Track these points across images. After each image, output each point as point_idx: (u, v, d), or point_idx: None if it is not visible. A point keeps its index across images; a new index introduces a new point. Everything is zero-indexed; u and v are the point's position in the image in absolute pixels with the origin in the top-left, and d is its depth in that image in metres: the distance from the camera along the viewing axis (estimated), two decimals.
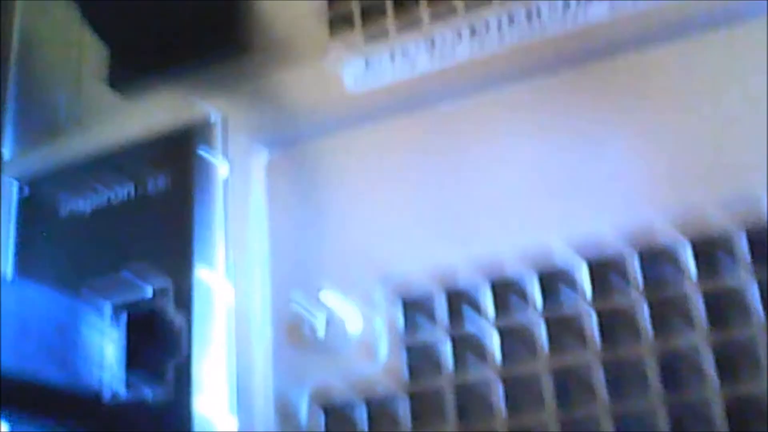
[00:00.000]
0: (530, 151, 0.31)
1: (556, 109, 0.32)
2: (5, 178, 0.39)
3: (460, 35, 0.33)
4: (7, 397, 0.33)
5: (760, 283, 0.27)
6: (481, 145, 0.32)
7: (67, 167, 0.38)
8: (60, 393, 0.33)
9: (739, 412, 0.26)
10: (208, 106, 0.36)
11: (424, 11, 0.35)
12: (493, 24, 0.33)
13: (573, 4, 0.32)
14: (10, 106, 0.41)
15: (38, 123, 0.41)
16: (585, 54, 0.32)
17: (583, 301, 0.29)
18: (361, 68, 0.34)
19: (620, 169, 0.30)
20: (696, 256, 0.28)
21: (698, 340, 0.27)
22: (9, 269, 0.38)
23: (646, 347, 0.27)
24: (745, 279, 0.27)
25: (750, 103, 0.29)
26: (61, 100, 0.41)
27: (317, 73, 0.35)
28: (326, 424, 0.31)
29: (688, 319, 0.27)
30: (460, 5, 0.34)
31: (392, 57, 0.34)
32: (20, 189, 0.39)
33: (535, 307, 0.29)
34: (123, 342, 0.35)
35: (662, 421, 0.27)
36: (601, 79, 0.31)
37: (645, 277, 0.28)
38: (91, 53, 0.41)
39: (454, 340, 0.30)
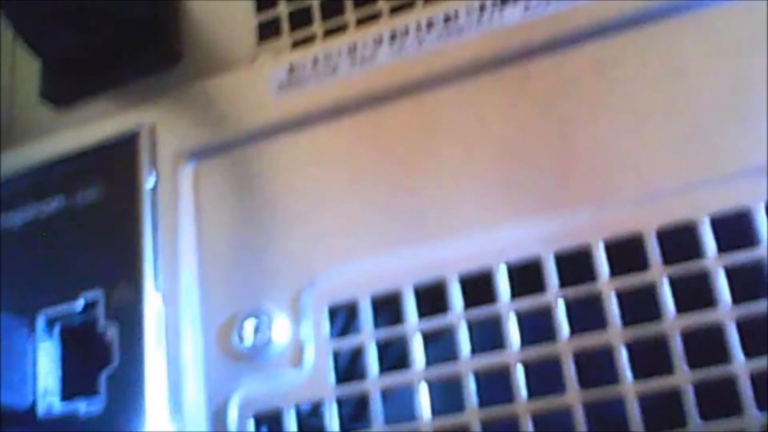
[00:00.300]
0: (456, 154, 0.32)
1: (477, 112, 0.32)
2: None
3: (381, 40, 0.33)
4: None
5: None
6: (408, 149, 0.32)
7: (7, 181, 0.38)
8: None
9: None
10: (136, 116, 0.36)
11: (349, 16, 0.35)
12: (413, 28, 0.33)
13: (489, 5, 0.32)
14: None
15: None
16: (504, 56, 0.32)
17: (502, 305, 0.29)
18: (285, 75, 0.34)
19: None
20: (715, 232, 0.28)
21: (722, 316, 0.27)
22: None
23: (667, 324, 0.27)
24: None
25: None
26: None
27: (244, 80, 0.35)
28: None
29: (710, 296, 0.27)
30: (385, 8, 0.34)
31: (315, 63, 0.34)
32: None
33: (458, 309, 0.29)
34: (55, 355, 0.35)
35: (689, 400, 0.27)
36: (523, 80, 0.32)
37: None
38: (23, 65, 0.41)
39: (379, 345, 0.30)
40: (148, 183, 0.35)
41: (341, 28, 0.35)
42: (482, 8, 0.32)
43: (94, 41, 0.39)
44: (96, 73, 0.39)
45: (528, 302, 0.29)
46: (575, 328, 0.28)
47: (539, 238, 0.29)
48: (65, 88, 0.40)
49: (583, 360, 0.28)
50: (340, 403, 0.30)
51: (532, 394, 0.28)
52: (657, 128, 0.29)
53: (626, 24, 0.30)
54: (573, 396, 0.27)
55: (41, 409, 0.34)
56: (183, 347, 0.33)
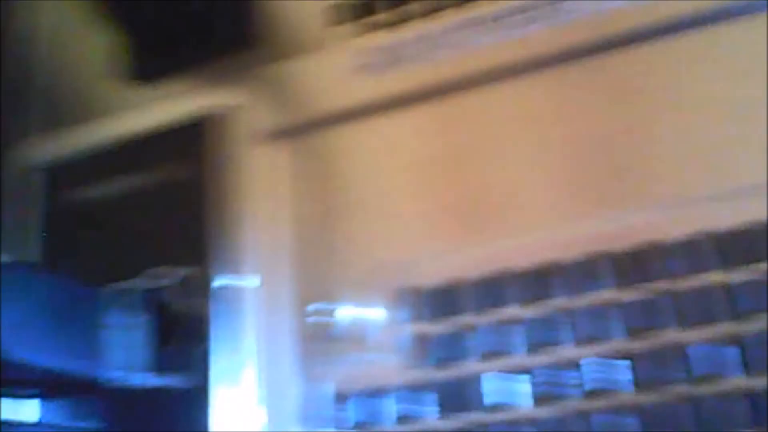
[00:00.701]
0: (548, 140, 0.31)
1: (580, 97, 0.31)
2: (29, 167, 0.40)
3: (463, 26, 0.32)
4: (42, 381, 0.34)
5: None
6: (496, 132, 0.32)
7: (89, 156, 0.38)
8: (88, 378, 0.34)
9: None
10: (219, 96, 0.36)
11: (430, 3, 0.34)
12: (494, 17, 0.32)
13: None
14: (32, 97, 0.42)
15: (60, 113, 0.41)
16: (607, 42, 0.31)
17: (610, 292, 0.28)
18: (369, 58, 0.34)
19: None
20: None
21: None
22: (37, 258, 0.38)
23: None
24: None
25: None
26: (76, 90, 0.41)
27: (326, 62, 0.35)
28: (351, 415, 0.30)
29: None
30: None
31: (399, 47, 0.33)
32: (43, 177, 0.39)
33: (566, 297, 0.29)
34: (149, 329, 0.35)
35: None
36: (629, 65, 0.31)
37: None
38: (110, 45, 0.41)
39: (476, 331, 0.29)
40: (235, 161, 0.34)
41: (418, 15, 0.34)
42: None
43: (180, 23, 0.39)
44: (176, 54, 0.39)
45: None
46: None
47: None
48: (147, 67, 0.40)
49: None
50: (435, 387, 0.30)
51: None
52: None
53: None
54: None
55: (134, 382, 0.34)
56: (277, 327, 0.32)
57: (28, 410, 0.35)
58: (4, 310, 0.31)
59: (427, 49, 0.33)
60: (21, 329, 0.31)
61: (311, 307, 0.32)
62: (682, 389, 0.27)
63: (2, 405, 0.34)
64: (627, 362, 0.27)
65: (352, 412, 0.31)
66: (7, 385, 0.34)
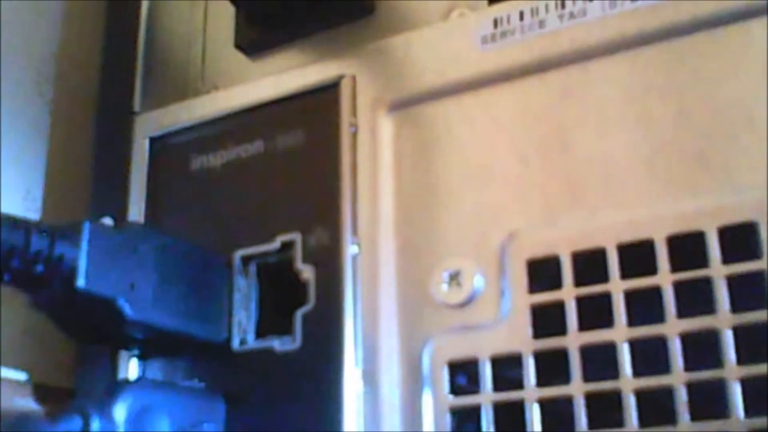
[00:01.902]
0: (659, 121, 0.31)
1: (689, 76, 0.31)
2: (138, 134, 0.41)
3: None
4: (141, 339, 0.35)
5: None
6: (610, 109, 0.32)
7: (199, 124, 0.39)
8: (191, 338, 0.35)
9: None
10: (335, 66, 0.37)
11: None
12: None
13: None
14: (141, 65, 0.43)
15: (168, 83, 0.42)
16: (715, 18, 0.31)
17: (712, 267, 0.29)
18: (489, 28, 0.34)
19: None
20: None
21: None
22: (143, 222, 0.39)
23: None
24: None
25: None
26: (189, 60, 0.42)
27: (443, 33, 0.35)
28: (451, 380, 0.31)
29: None
30: None
31: (521, 16, 0.34)
32: (151, 144, 0.40)
33: (665, 270, 0.29)
34: (252, 292, 0.36)
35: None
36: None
37: None
38: (218, 15, 0.42)
39: (579, 301, 0.30)
40: (349, 131, 0.35)
41: None
42: None
43: None
44: (288, 24, 0.40)
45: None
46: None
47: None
48: (259, 38, 0.41)
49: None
50: (537, 356, 0.30)
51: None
52: None
53: None
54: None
55: (236, 344, 0.35)
56: (379, 292, 0.33)
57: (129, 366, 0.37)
58: (121, 271, 0.32)
59: (539, 23, 0.33)
60: (135, 291, 0.33)
61: (413, 275, 0.33)
62: None
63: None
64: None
65: (450, 378, 0.32)
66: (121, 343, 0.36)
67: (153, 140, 0.40)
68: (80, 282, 0.31)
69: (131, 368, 0.37)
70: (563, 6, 0.33)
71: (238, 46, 0.41)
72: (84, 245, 0.31)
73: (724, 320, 0.28)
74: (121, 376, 0.37)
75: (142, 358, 0.37)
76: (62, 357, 0.40)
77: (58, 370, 0.40)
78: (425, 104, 0.35)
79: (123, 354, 0.37)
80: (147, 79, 0.42)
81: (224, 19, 0.42)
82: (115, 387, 0.32)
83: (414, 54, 0.36)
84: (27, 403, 0.38)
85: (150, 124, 0.41)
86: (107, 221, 0.33)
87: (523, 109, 0.33)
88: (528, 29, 0.34)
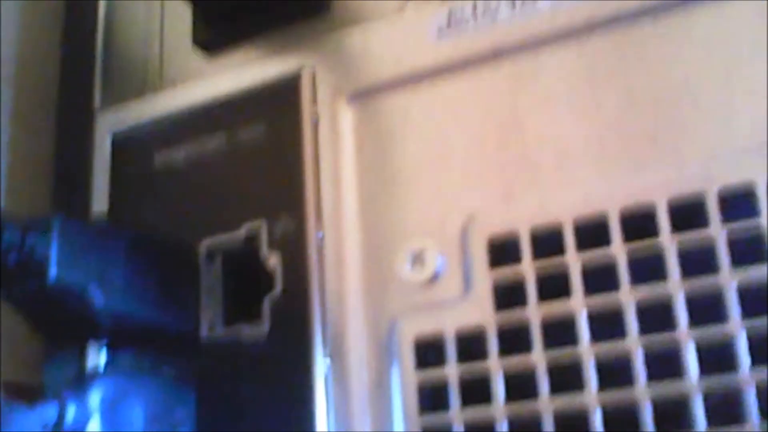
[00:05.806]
0: (608, 103, 0.33)
1: (635, 60, 0.33)
2: (99, 131, 0.41)
3: None
4: (110, 331, 0.36)
5: None
6: (561, 94, 0.34)
7: (160, 119, 0.40)
8: (161, 327, 0.36)
9: None
10: (293, 60, 0.38)
11: None
12: None
13: None
14: (99, 63, 0.43)
15: (128, 81, 0.43)
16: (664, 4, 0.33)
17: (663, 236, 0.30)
18: (443, 20, 0.36)
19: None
20: None
21: None
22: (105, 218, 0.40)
23: None
24: None
25: None
26: (148, 59, 0.43)
27: (400, 25, 0.37)
28: (417, 357, 0.33)
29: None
30: None
31: (474, 8, 0.35)
32: (114, 140, 0.41)
33: (618, 241, 0.31)
34: (219, 281, 0.37)
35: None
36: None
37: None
38: (175, 13, 0.43)
39: (538, 274, 0.32)
40: (311, 121, 0.36)
41: None
42: None
43: None
44: (245, 21, 0.41)
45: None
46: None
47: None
48: (216, 35, 0.41)
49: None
50: (500, 328, 0.32)
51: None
52: None
53: None
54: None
55: (205, 332, 0.36)
56: (346, 274, 0.34)
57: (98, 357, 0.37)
58: (91, 263, 0.33)
59: (492, 14, 0.35)
60: (106, 282, 0.33)
61: (377, 257, 0.34)
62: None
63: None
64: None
65: (414, 356, 0.33)
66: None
67: (115, 135, 0.41)
68: (52, 273, 0.31)
69: (100, 358, 0.37)
70: None
71: (196, 43, 0.42)
72: (55, 237, 0.32)
73: (675, 287, 0.30)
74: (90, 365, 0.37)
75: (110, 347, 0.37)
76: (27, 355, 0.40)
77: (26, 367, 0.40)
78: (384, 94, 0.36)
79: (91, 344, 0.37)
80: (106, 76, 0.43)
81: (181, 17, 0.43)
82: (89, 375, 0.32)
83: (372, 46, 0.37)
84: None
85: (112, 120, 0.41)
86: None
87: (479, 96, 0.35)
88: (481, 20, 0.35)
